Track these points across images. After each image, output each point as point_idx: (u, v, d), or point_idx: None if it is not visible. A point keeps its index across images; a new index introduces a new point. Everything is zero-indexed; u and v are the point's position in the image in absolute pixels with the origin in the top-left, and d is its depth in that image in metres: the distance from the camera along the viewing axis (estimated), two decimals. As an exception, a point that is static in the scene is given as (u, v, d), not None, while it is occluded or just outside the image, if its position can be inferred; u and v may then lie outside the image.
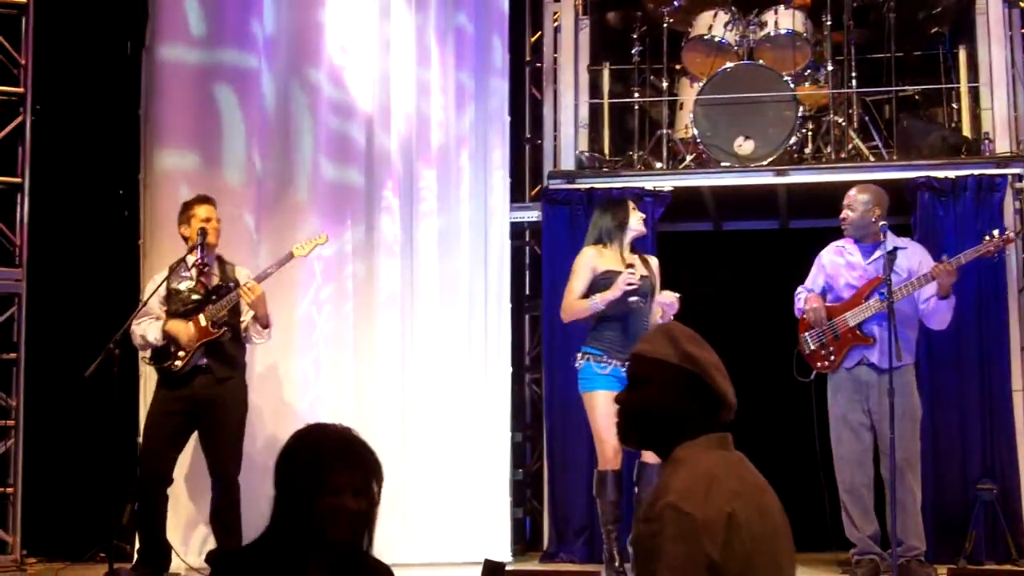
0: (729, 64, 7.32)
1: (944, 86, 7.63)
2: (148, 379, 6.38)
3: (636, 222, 6.04)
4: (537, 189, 7.77)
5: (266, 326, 5.98)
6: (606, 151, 7.81)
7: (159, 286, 5.93)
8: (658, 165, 7.55)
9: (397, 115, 7.18)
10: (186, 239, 5.97)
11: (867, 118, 7.54)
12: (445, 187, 7.22)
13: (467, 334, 7.10)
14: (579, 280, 5.91)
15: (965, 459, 6.68)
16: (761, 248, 8.02)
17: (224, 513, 5.90)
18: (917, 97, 7.73)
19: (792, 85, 7.17)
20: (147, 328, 5.92)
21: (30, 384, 6.74)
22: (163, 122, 6.74)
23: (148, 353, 5.99)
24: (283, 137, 6.98)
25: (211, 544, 6.12)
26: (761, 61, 7.38)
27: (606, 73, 7.91)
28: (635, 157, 7.60)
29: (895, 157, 7.27)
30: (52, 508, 6.75)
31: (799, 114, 7.14)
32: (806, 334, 6.03)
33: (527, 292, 7.86)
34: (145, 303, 5.96)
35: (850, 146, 7.31)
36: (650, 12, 7.78)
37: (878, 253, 5.86)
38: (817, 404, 6.04)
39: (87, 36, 7.18)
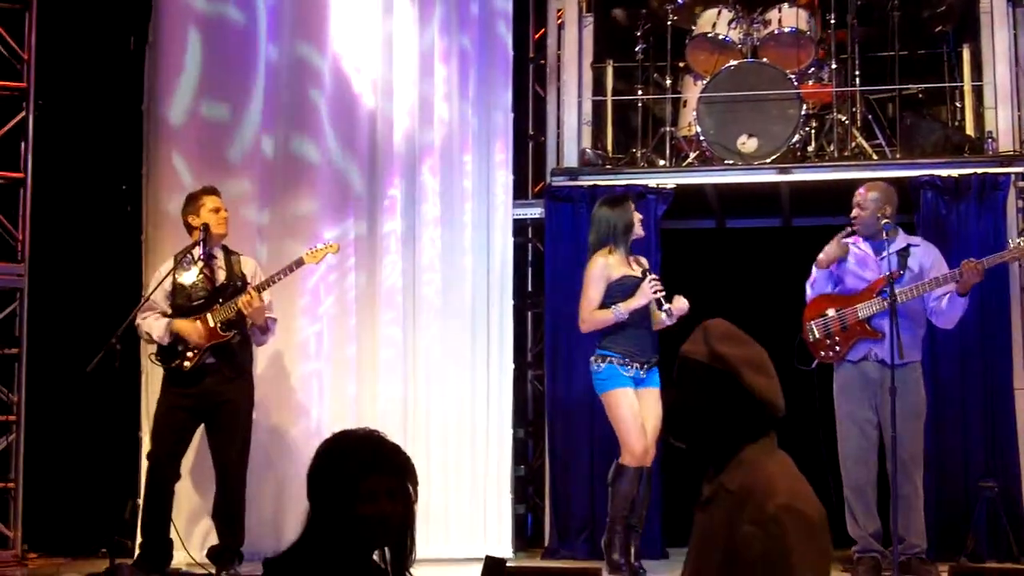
0: (733, 62, 7.31)
1: (947, 85, 7.62)
2: (150, 374, 6.39)
3: (639, 226, 6.09)
4: (540, 186, 7.76)
5: (265, 332, 5.98)
6: (609, 148, 7.80)
7: (163, 279, 5.93)
8: (661, 163, 7.54)
9: (400, 112, 7.17)
10: (193, 229, 5.97)
11: (870, 116, 7.52)
12: (448, 184, 7.21)
13: (470, 331, 7.10)
14: (595, 290, 5.96)
15: (967, 457, 6.67)
16: (764, 246, 8.00)
17: (227, 509, 5.91)
18: (920, 95, 7.71)
19: (796, 83, 7.16)
20: (151, 325, 5.92)
21: (32, 379, 6.74)
22: (166, 118, 6.74)
23: (154, 351, 5.99)
24: (286, 134, 6.98)
25: (213, 539, 6.12)
26: (765, 59, 7.36)
27: (610, 70, 7.90)
28: (638, 154, 7.59)
29: (898, 155, 7.26)
30: (53, 503, 6.75)
31: (802, 112, 7.13)
32: (812, 322, 6.03)
33: (530, 289, 7.86)
34: (148, 297, 5.96)
35: (853, 144, 7.30)
36: (654, 9, 7.77)
37: (892, 249, 5.86)
38: (821, 399, 6.04)
39: (90, 31, 7.18)
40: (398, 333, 6.99)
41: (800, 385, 6.02)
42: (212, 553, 6.01)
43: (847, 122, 7.32)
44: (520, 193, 7.62)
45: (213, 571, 5.91)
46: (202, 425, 6.01)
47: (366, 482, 2.39)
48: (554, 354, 7.26)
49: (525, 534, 7.54)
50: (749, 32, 7.50)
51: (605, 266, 5.98)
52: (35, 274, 6.79)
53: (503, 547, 6.86)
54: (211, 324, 5.86)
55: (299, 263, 6.02)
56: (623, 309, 5.89)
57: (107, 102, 7.14)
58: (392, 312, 7.01)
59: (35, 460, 6.72)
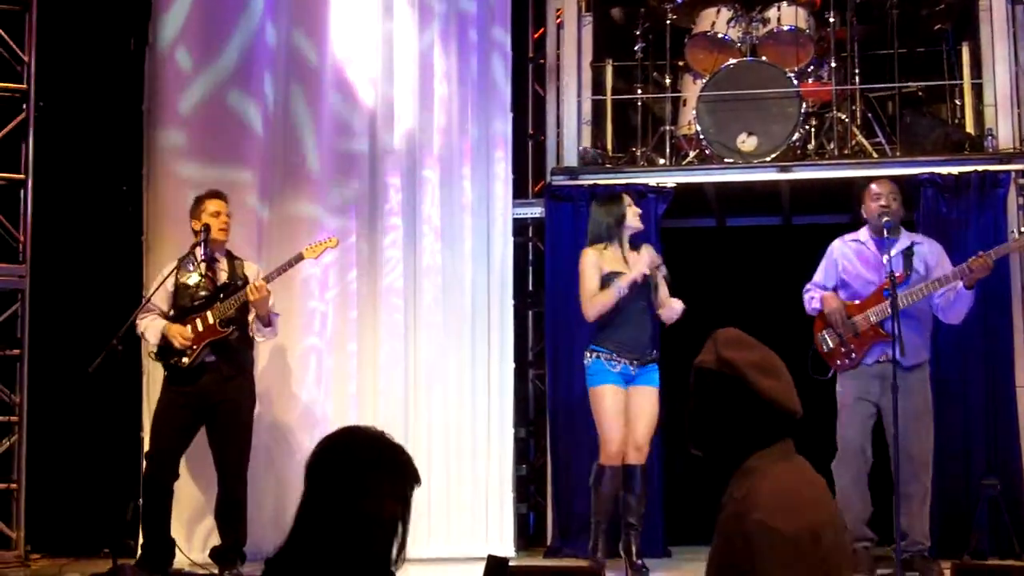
0: (732, 60, 7.32)
1: (947, 82, 7.62)
2: (152, 375, 6.39)
3: (633, 218, 6.09)
4: (540, 185, 7.77)
5: (268, 325, 5.99)
6: (609, 147, 7.80)
7: (164, 280, 5.94)
8: (661, 161, 7.54)
9: (400, 112, 7.17)
10: (196, 232, 5.98)
11: (870, 114, 7.53)
12: (448, 183, 7.21)
13: (470, 330, 7.10)
14: (590, 280, 6.01)
15: (969, 455, 6.68)
16: (764, 244, 8.01)
17: (229, 508, 5.92)
18: (920, 93, 7.71)
19: (795, 81, 7.16)
20: (147, 326, 5.94)
21: (34, 380, 6.74)
22: (166, 118, 6.75)
23: (154, 348, 6.00)
24: (287, 134, 6.98)
25: (215, 540, 6.13)
26: (764, 57, 7.37)
27: (609, 69, 7.90)
28: (638, 153, 7.60)
29: (898, 153, 7.27)
30: (56, 504, 6.75)
31: (802, 110, 7.13)
32: (823, 332, 6.02)
33: (530, 288, 7.86)
34: (148, 299, 5.97)
35: (853, 142, 7.30)
36: (653, 8, 7.77)
37: (895, 249, 5.87)
38: (830, 400, 6.05)
39: (90, 32, 7.18)
40: (399, 332, 7.00)
41: (800, 384, 6.04)
42: (214, 553, 6.02)
43: (847, 120, 7.33)
44: (520, 192, 7.62)
45: (215, 571, 5.92)
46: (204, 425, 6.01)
47: (372, 481, 2.38)
48: (555, 353, 7.27)
49: (527, 533, 7.55)
50: (748, 31, 7.50)
51: (595, 258, 6.03)
52: (36, 275, 6.80)
53: (505, 546, 6.86)
54: (210, 321, 5.86)
55: (299, 258, 6.03)
56: (623, 283, 5.92)
57: (107, 103, 7.14)
58: (393, 311, 7.01)
59: (37, 461, 6.72)
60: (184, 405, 5.89)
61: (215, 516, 6.02)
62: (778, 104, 7.15)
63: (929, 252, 6.05)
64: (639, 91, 7.70)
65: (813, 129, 7.40)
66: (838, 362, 5.99)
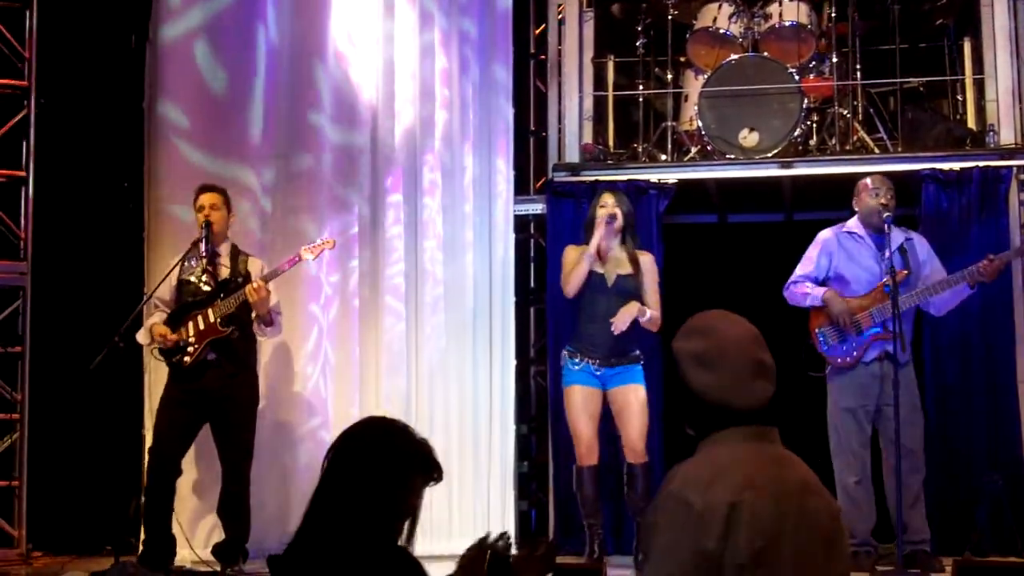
0: (734, 56, 7.31)
1: (949, 78, 7.61)
2: (153, 372, 6.38)
3: (600, 214, 6.05)
4: (542, 182, 7.76)
5: (269, 324, 5.98)
6: (611, 144, 7.80)
7: (166, 276, 5.95)
8: (663, 157, 7.53)
9: (401, 108, 7.17)
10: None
11: (872, 110, 7.52)
12: (449, 180, 7.21)
13: (472, 327, 7.10)
14: (568, 265, 6.12)
15: (971, 450, 6.66)
16: (766, 240, 8.00)
17: (232, 504, 5.93)
18: (922, 89, 7.70)
19: (797, 77, 7.15)
20: (142, 330, 5.97)
21: (35, 377, 6.75)
22: (167, 114, 6.75)
23: (157, 346, 6.00)
24: (287, 129, 6.99)
25: (217, 536, 6.13)
26: (766, 53, 7.36)
27: (610, 65, 7.89)
28: (640, 149, 7.59)
29: (900, 149, 7.26)
30: (58, 501, 6.75)
31: (804, 106, 7.12)
32: (822, 329, 6.00)
33: (532, 285, 7.86)
34: (150, 296, 5.99)
35: (855, 138, 7.29)
36: (654, 4, 7.75)
37: (892, 247, 5.87)
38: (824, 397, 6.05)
39: (91, 29, 7.17)
40: (401, 330, 6.99)
41: (801, 381, 6.04)
42: (217, 549, 6.02)
43: (848, 116, 7.32)
44: (521, 189, 7.61)
45: (218, 568, 5.92)
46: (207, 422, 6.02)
47: (407, 479, 2.42)
48: (556, 350, 7.24)
49: (529, 530, 7.55)
50: (750, 26, 7.49)
51: (575, 252, 6.11)
52: (37, 272, 6.80)
53: (507, 543, 6.85)
54: (211, 319, 5.86)
55: (297, 259, 6.03)
56: (591, 250, 5.99)
57: (108, 100, 7.14)
58: (395, 309, 7.01)
59: (39, 458, 6.73)
60: (186, 402, 5.90)
61: (218, 512, 6.03)
62: (780, 100, 7.13)
63: (920, 248, 6.06)
64: (640, 87, 7.69)
65: (815, 125, 7.39)
66: (839, 360, 5.97)
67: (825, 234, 6.18)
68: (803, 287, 6.08)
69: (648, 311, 6.00)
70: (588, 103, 7.68)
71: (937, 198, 6.92)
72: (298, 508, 6.54)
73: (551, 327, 7.32)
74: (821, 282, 6.09)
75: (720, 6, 7.51)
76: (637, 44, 7.71)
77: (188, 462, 6.16)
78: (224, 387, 5.88)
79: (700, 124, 7.21)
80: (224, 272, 6.01)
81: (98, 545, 6.55)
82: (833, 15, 7.40)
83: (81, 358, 5.81)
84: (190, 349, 5.87)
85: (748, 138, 7.13)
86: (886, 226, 5.86)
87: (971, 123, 7.39)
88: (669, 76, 7.76)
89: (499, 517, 6.98)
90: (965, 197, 6.88)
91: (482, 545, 2.65)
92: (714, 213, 8.14)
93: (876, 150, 7.27)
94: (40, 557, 6.62)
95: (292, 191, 6.96)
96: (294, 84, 7.01)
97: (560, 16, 7.77)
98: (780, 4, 7.41)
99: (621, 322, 5.93)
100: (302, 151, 6.98)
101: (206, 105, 6.85)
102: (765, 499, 2.19)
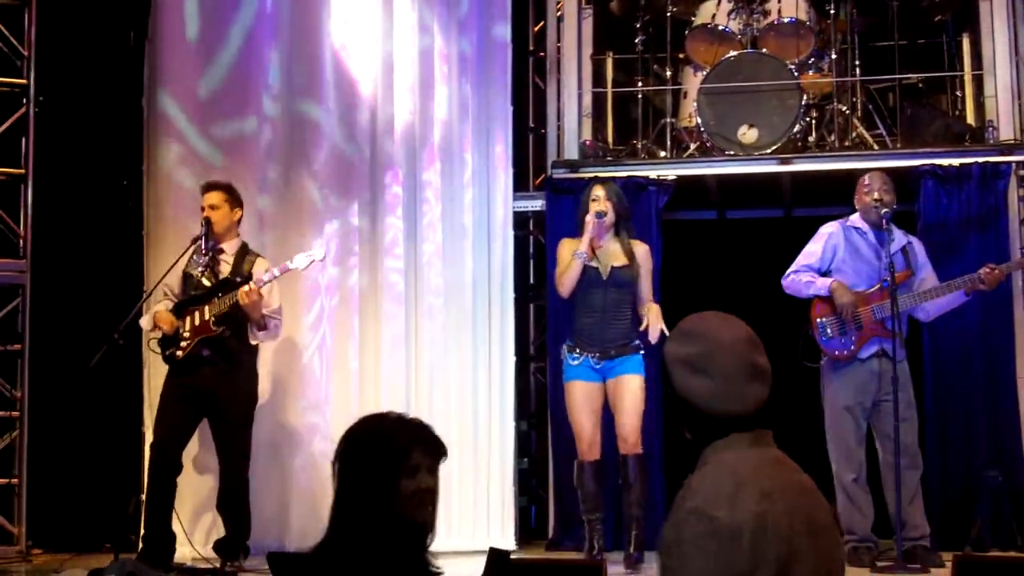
0: (733, 52, 7.30)
1: (948, 74, 7.62)
2: (152, 369, 6.40)
3: (591, 208, 6.04)
4: (541, 178, 7.76)
5: (262, 328, 5.97)
6: (610, 140, 7.80)
7: (173, 266, 5.98)
8: (662, 154, 7.53)
9: (400, 105, 7.17)
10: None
11: (871, 106, 7.52)
12: (448, 177, 7.21)
13: (471, 323, 7.10)
14: (562, 262, 6.10)
15: (970, 446, 6.67)
16: (765, 237, 8.00)
17: (230, 501, 5.94)
18: (921, 85, 7.71)
19: (796, 73, 7.15)
20: (148, 314, 5.98)
21: (34, 375, 6.76)
22: (166, 112, 6.75)
23: (156, 337, 6.01)
24: (287, 128, 6.99)
25: (217, 533, 6.13)
26: (765, 49, 7.35)
27: (609, 62, 7.89)
28: (639, 146, 7.59)
29: (899, 145, 7.26)
30: (57, 499, 6.76)
31: (803, 102, 7.12)
32: (824, 319, 5.99)
33: (531, 281, 7.86)
34: (151, 293, 6.00)
35: (854, 134, 7.29)
36: (653, 1, 7.76)
37: (895, 246, 5.87)
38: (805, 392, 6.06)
39: (90, 27, 7.17)
40: (400, 326, 6.99)
41: (801, 378, 6.04)
42: (218, 546, 6.03)
43: (848, 112, 7.32)
44: (521, 186, 7.61)
45: (218, 565, 5.93)
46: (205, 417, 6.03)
47: (409, 458, 2.42)
48: (556, 346, 7.24)
49: (528, 526, 7.55)
50: (749, 22, 7.48)
51: (568, 246, 6.09)
52: (37, 270, 6.80)
53: (506, 539, 6.87)
54: (206, 316, 5.87)
55: (284, 269, 5.98)
56: (581, 249, 5.97)
57: (107, 97, 7.14)
58: (394, 305, 7.01)
59: (39, 456, 6.74)
60: (184, 397, 5.91)
61: (217, 509, 6.04)
62: (779, 96, 7.13)
63: (918, 250, 6.09)
64: (639, 83, 7.69)
65: (814, 121, 7.39)
66: (836, 352, 5.97)
67: (831, 227, 6.18)
68: (805, 277, 6.08)
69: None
70: (587, 100, 7.68)
71: (936, 194, 6.92)
72: (298, 506, 6.62)
73: (551, 323, 7.32)
74: (823, 274, 6.09)
75: (719, 3, 7.51)
76: (636, 41, 7.71)
77: (188, 459, 6.16)
78: (218, 384, 5.89)
79: (699, 120, 7.21)
80: (225, 270, 6.01)
81: (98, 542, 6.56)
82: (832, 11, 7.40)
83: (80, 356, 5.81)
84: (183, 343, 5.88)
85: (747, 134, 7.13)
86: (884, 222, 5.87)
87: (970, 119, 7.39)
88: (668, 73, 7.77)
89: (499, 513, 6.98)
90: (964, 193, 6.89)
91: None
92: (713, 209, 8.14)
93: (875, 146, 7.27)
94: (40, 554, 6.63)
95: (291, 188, 6.96)
96: (294, 82, 7.01)
97: (559, 13, 7.77)
98: (779, 1, 7.41)
99: (655, 334, 5.80)
100: (301, 148, 6.98)
101: (206, 103, 6.85)
102: (780, 504, 2.16)
